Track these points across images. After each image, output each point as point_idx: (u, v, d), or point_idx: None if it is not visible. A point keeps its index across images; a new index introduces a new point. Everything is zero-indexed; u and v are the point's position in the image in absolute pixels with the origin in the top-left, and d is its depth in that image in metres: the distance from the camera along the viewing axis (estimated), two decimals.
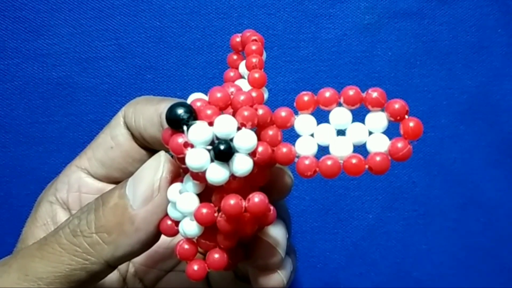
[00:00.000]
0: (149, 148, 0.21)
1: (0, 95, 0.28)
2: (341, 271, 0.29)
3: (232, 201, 0.15)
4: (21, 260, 0.17)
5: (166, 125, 0.16)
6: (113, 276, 0.22)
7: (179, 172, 0.17)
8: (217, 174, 0.15)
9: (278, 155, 0.16)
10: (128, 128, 0.21)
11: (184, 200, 0.16)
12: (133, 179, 0.17)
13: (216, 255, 0.17)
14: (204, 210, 0.16)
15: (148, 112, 0.20)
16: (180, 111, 0.15)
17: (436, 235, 0.29)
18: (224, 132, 0.15)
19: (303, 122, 0.17)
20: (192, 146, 0.15)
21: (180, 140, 0.15)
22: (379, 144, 0.16)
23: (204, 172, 0.15)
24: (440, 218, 0.29)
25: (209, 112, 0.15)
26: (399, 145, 0.15)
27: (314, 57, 0.28)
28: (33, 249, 0.17)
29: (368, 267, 0.29)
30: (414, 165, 0.29)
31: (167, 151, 0.17)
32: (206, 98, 0.16)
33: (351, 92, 0.16)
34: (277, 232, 0.19)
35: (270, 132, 0.16)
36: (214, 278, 0.23)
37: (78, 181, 0.21)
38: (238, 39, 0.19)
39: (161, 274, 0.23)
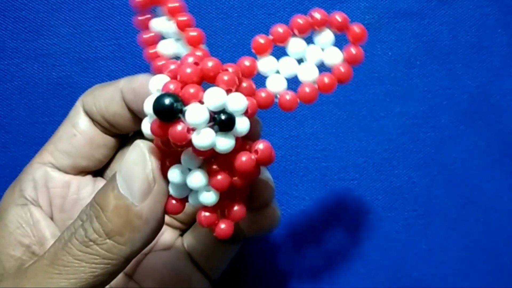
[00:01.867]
0: (112, 132, 0.21)
1: (0, 95, 0.28)
2: (341, 271, 0.29)
3: (244, 157, 0.17)
4: (34, 280, 0.17)
5: (131, 100, 0.17)
6: None
7: (160, 153, 0.17)
8: (226, 143, 0.16)
9: (260, 101, 0.17)
10: (88, 116, 0.21)
11: (194, 178, 0.17)
12: (123, 177, 0.17)
13: (236, 208, 0.18)
14: (220, 177, 0.17)
15: (107, 92, 0.20)
16: (169, 101, 0.15)
17: (436, 235, 0.29)
18: (218, 104, 0.16)
19: (266, 64, 0.18)
20: (193, 129, 0.15)
21: (180, 127, 0.15)
22: (334, 56, 0.18)
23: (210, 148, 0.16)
24: (440, 218, 0.29)
25: (192, 90, 0.15)
26: (353, 50, 0.18)
27: None
28: (43, 266, 0.17)
29: (368, 267, 0.29)
30: (414, 165, 0.29)
31: (140, 135, 0.17)
32: (164, 78, 0.16)
33: (300, 21, 0.17)
34: (263, 170, 0.21)
35: (245, 85, 0.17)
36: (195, 248, 0.23)
37: (44, 177, 0.21)
38: None
39: (140, 257, 0.23)
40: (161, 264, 0.23)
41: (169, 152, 0.17)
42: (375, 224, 0.29)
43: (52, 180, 0.21)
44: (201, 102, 0.16)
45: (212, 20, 0.28)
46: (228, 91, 0.16)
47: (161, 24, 0.18)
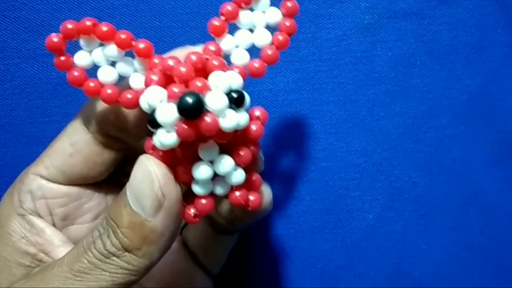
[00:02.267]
0: (114, 147, 0.21)
1: (0, 95, 0.28)
2: (341, 271, 0.29)
3: (254, 126, 0.18)
4: (52, 284, 0.17)
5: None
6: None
7: (170, 162, 0.18)
8: (245, 117, 0.17)
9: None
10: (89, 131, 0.20)
11: (225, 162, 0.18)
12: (133, 194, 0.17)
13: (254, 177, 0.19)
14: (243, 153, 0.18)
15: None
16: (194, 98, 0.16)
17: (436, 235, 0.29)
18: (227, 85, 0.17)
19: (227, 43, 0.19)
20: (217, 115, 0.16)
21: (209, 119, 0.16)
22: (276, 15, 0.19)
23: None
24: (440, 218, 0.29)
25: (199, 84, 0.16)
26: (288, 4, 0.19)
27: (314, 57, 0.28)
28: (62, 272, 0.17)
29: (368, 267, 0.29)
30: (414, 165, 0.29)
31: (148, 132, 0.18)
32: (157, 89, 0.17)
33: None
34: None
35: (216, 63, 0.18)
36: (193, 242, 0.23)
37: (41, 188, 0.21)
38: (54, 39, 0.18)
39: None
40: (162, 263, 0.23)
41: (179, 158, 0.18)
42: (375, 224, 0.29)
43: (50, 191, 0.21)
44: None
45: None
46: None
47: (86, 56, 0.18)
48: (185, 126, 0.16)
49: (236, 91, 0.17)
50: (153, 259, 0.18)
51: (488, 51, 0.29)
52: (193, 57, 0.17)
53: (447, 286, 0.29)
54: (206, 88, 0.16)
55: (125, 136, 0.20)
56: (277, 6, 0.19)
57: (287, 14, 0.19)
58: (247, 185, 0.19)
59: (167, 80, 0.17)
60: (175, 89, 0.16)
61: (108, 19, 0.28)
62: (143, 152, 0.19)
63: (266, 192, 0.21)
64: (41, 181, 0.21)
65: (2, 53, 0.28)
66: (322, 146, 0.29)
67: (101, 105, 0.20)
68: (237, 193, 0.18)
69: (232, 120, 0.17)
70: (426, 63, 0.29)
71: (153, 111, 0.17)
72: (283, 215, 0.29)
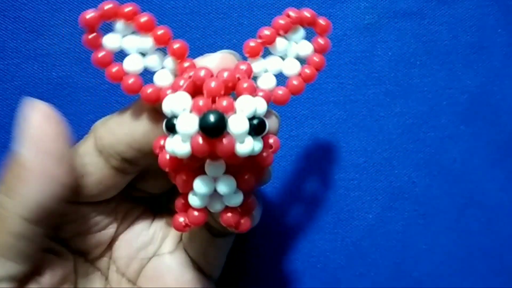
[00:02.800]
0: (127, 171, 0.20)
1: (0, 95, 0.28)
2: (341, 271, 0.29)
3: (265, 154, 0.18)
4: None
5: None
6: (95, 277, 0.22)
7: (175, 165, 0.18)
8: (259, 145, 0.17)
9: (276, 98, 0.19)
10: (102, 154, 0.19)
11: (226, 183, 0.18)
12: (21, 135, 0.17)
13: (249, 201, 0.19)
14: (247, 177, 0.18)
15: (131, 126, 0.19)
16: (218, 117, 0.16)
17: (436, 235, 0.29)
18: (252, 111, 0.17)
19: (258, 65, 0.19)
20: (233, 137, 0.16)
21: (226, 141, 0.16)
22: (307, 48, 0.19)
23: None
24: (440, 218, 0.29)
25: (225, 103, 0.16)
26: (320, 41, 0.20)
27: None
28: None
29: (368, 267, 0.29)
30: (414, 165, 0.29)
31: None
32: (183, 95, 0.17)
33: (282, 22, 0.19)
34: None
35: (246, 85, 0.18)
36: (191, 247, 0.23)
37: None
38: (90, 15, 0.17)
39: (144, 262, 0.23)
40: (164, 268, 0.23)
41: (184, 166, 0.18)
42: (375, 224, 0.29)
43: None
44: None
45: (212, 20, 0.28)
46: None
47: (116, 40, 0.18)
48: (201, 142, 0.16)
49: (258, 118, 0.17)
50: (26, 203, 0.17)
51: (488, 51, 0.29)
52: (225, 74, 0.17)
53: (447, 286, 0.29)
54: (232, 109, 0.16)
55: (140, 157, 0.19)
56: (310, 40, 0.20)
57: (318, 50, 0.19)
58: (241, 207, 0.19)
59: (195, 89, 0.17)
60: (201, 102, 0.16)
61: None
62: (156, 170, 0.19)
63: (257, 213, 0.21)
64: None
65: (2, 53, 0.28)
66: (322, 146, 0.29)
67: (117, 127, 0.19)
68: (229, 214, 0.18)
69: (248, 146, 0.16)
70: (426, 63, 0.29)
71: (173, 117, 0.17)
72: (283, 215, 0.29)
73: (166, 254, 0.23)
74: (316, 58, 0.19)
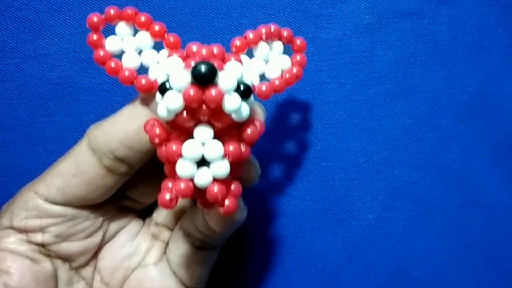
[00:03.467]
0: (118, 171, 0.21)
1: (0, 95, 0.28)
2: (341, 271, 0.29)
3: (250, 129, 0.19)
4: None
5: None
6: (80, 286, 0.22)
7: (165, 137, 0.19)
8: (246, 110, 0.18)
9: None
10: (95, 154, 0.20)
11: (213, 146, 0.18)
12: None
13: (234, 185, 0.19)
14: (233, 146, 0.19)
15: (124, 127, 0.20)
16: (209, 66, 0.17)
17: (436, 235, 0.29)
18: (240, 74, 0.18)
19: (244, 59, 0.20)
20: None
21: (215, 91, 0.17)
22: (286, 61, 0.22)
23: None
24: (440, 218, 0.29)
25: (216, 63, 0.18)
26: (298, 57, 0.22)
27: (314, 57, 0.28)
28: None
29: (368, 267, 0.29)
30: (414, 165, 0.29)
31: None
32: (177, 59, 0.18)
33: (272, 28, 0.21)
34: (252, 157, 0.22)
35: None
36: (173, 260, 0.23)
37: (36, 209, 0.21)
38: (96, 18, 0.20)
39: (128, 272, 0.23)
40: (147, 280, 0.23)
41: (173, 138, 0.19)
42: (375, 224, 0.29)
43: (44, 212, 0.21)
44: None
45: (212, 20, 0.28)
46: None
47: (117, 41, 0.20)
48: (193, 93, 0.17)
49: (244, 84, 0.18)
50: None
51: (488, 51, 0.29)
52: (216, 49, 0.18)
53: (447, 286, 0.29)
54: (221, 67, 0.17)
55: (131, 155, 0.20)
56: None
57: (295, 64, 0.22)
58: (227, 183, 0.19)
59: (187, 58, 0.18)
60: (193, 62, 0.17)
61: None
62: (144, 175, 0.20)
63: (243, 207, 0.21)
64: (38, 201, 0.21)
65: (2, 53, 0.28)
66: (322, 146, 0.29)
67: (110, 127, 0.20)
68: (216, 188, 0.18)
69: (235, 102, 0.17)
70: (426, 63, 0.29)
71: (166, 81, 0.18)
72: (283, 215, 0.29)
73: (151, 265, 0.23)
74: (295, 69, 0.21)
